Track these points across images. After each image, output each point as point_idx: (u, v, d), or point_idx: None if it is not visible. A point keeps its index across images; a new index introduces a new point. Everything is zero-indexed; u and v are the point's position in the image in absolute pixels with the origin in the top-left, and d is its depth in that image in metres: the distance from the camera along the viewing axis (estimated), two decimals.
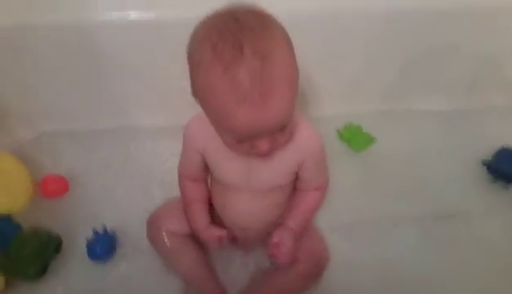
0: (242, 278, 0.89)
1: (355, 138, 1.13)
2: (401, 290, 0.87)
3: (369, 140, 1.14)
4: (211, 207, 0.87)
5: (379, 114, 1.18)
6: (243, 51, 0.56)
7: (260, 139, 0.63)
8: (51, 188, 1.01)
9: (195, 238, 0.87)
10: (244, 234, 0.87)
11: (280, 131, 0.64)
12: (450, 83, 1.18)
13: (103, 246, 0.90)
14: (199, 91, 0.63)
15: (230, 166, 0.76)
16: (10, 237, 0.88)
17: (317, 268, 0.87)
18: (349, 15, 1.03)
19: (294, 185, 0.84)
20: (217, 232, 0.82)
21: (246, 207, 0.81)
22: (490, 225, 0.97)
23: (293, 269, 0.84)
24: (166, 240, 0.86)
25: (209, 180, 0.88)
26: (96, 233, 0.91)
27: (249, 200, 0.80)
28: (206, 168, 0.82)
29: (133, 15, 0.99)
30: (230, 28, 0.58)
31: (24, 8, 0.98)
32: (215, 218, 0.86)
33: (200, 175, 0.84)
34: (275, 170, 0.76)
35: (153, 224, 0.89)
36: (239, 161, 0.73)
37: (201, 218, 0.84)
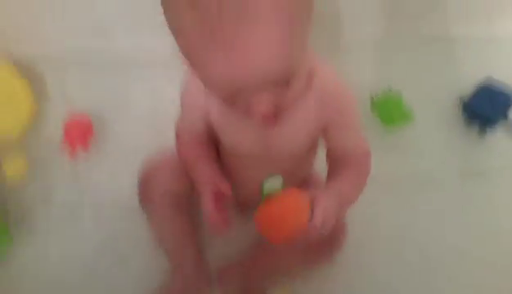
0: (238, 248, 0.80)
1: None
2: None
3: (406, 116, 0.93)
4: None
5: None
6: None
7: (255, 97, 0.46)
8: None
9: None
10: (253, 201, 0.68)
11: (284, 86, 0.47)
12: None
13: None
14: (173, 34, 0.46)
15: (242, 133, 0.61)
16: None
17: (333, 245, 0.74)
18: None
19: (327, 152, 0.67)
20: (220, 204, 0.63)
21: (262, 176, 0.62)
22: None
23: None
24: (159, 204, 0.77)
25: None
26: None
27: (266, 168, 0.61)
28: (212, 135, 0.67)
29: None
30: None
31: None
32: None
33: (206, 140, 0.68)
34: (295, 134, 0.61)
35: (145, 184, 0.78)
36: (252, 126, 0.56)
37: (208, 170, 0.66)
